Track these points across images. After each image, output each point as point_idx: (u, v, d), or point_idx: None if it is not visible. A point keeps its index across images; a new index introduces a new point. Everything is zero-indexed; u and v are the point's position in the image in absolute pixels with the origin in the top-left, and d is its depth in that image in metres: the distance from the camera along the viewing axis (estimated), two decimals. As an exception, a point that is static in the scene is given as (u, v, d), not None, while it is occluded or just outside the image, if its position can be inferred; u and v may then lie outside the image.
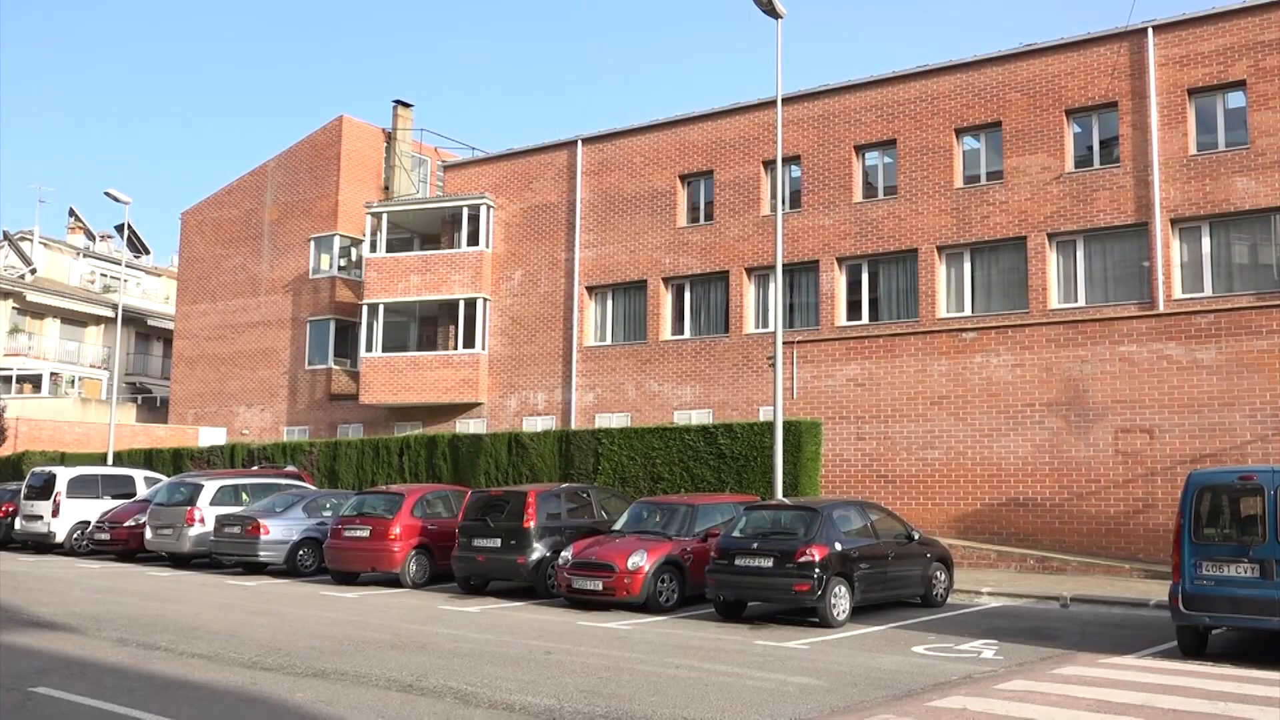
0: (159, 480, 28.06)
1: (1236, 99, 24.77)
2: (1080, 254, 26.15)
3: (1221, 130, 24.91)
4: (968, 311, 27.29)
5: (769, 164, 30.26)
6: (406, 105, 41.60)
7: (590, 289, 33.52)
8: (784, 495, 19.71)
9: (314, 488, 25.95)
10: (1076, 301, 25.90)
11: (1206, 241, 24.71)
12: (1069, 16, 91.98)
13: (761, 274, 30.42)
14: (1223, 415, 19.56)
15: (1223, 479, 12.57)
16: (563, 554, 16.95)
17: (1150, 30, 25.48)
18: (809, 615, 14.76)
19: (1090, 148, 26.56)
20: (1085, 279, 26.06)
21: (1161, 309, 23.72)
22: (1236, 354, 19.60)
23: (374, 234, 36.79)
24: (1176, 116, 25.04)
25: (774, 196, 27.30)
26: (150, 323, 56.49)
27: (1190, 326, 20.25)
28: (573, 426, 31.38)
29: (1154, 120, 25.13)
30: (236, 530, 21.53)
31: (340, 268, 39.83)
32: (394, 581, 19.80)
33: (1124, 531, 20.23)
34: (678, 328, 31.95)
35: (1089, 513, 20.62)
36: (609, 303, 33.44)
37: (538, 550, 17.73)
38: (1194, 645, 12.08)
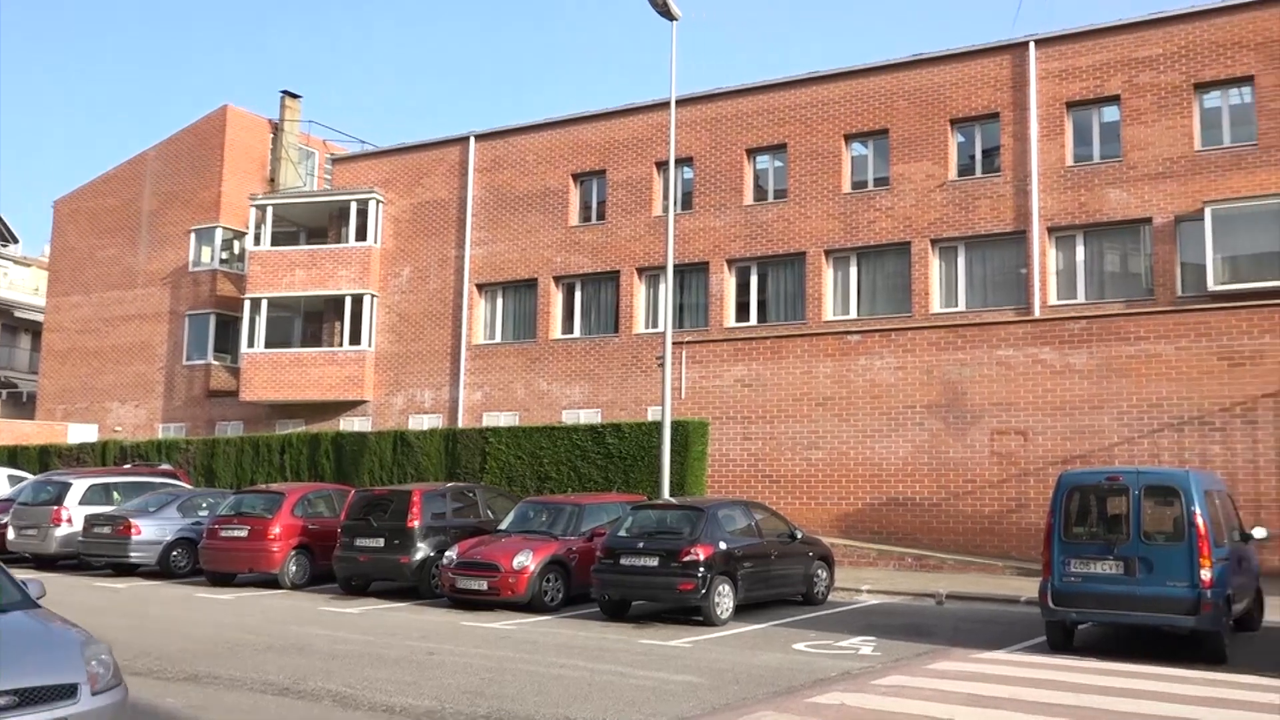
0: (24, 479, 26.93)
1: (1111, 113, 25.68)
2: (961, 260, 26.82)
3: (1097, 143, 25.80)
4: (853, 314, 27.78)
5: (661, 165, 30.39)
6: (294, 96, 40.68)
7: (480, 287, 33.24)
8: (671, 495, 19.79)
9: (190, 487, 25.19)
10: (957, 306, 26.56)
11: (1081, 250, 25.57)
12: (956, 28, 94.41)
13: (652, 274, 30.53)
14: (1092, 418, 20.26)
15: (1091, 480, 13.01)
16: (447, 554, 16.75)
17: (1032, 44, 26.26)
18: (693, 614, 14.84)
19: (973, 157, 27.27)
20: (966, 284, 26.74)
21: (1037, 315, 24.46)
22: (1106, 359, 20.31)
23: (258, 227, 35.89)
24: (1055, 129, 25.86)
25: (666, 197, 27.39)
26: (18, 314, 54.27)
27: (1064, 332, 20.93)
28: (460, 425, 31.07)
29: (1034, 132, 25.92)
30: (106, 530, 20.78)
31: (222, 261, 38.76)
32: (272, 583, 19.33)
33: (998, 530, 20.81)
34: (568, 327, 31.87)
35: (965, 512, 21.15)
36: (499, 301, 33.20)
37: (422, 550, 17.49)
38: (1061, 640, 12.48)
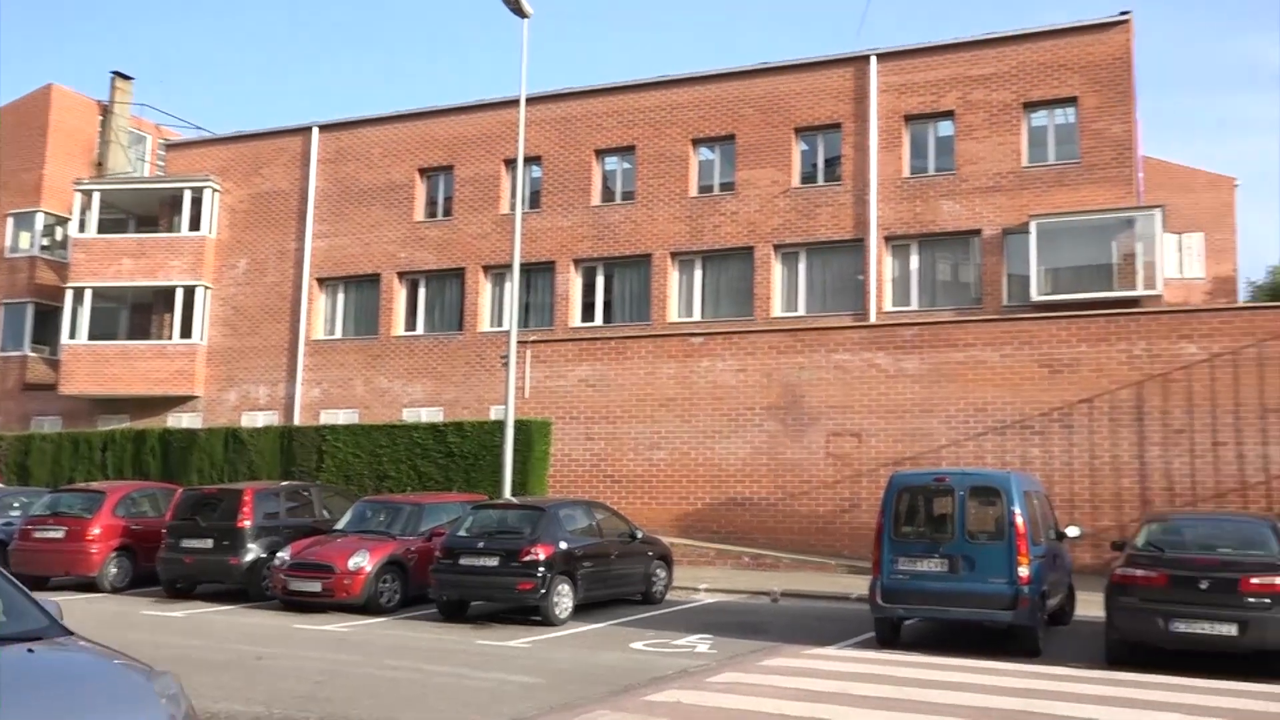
0: None
1: (946, 128, 26.66)
2: (803, 266, 27.44)
3: (932, 156, 26.75)
4: (697, 316, 28.11)
5: (510, 163, 30.17)
6: (126, 78, 38.88)
7: (321, 281, 32.40)
8: (512, 494, 19.66)
9: (2, 485, 23.81)
10: (797, 311, 27.16)
11: (915, 259, 26.46)
12: (804, 37, 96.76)
13: (498, 273, 30.28)
14: (923, 421, 20.99)
15: (919, 481, 13.47)
16: (279, 554, 16.26)
17: (874, 58, 27.05)
18: (532, 614, 14.76)
19: (815, 165, 27.94)
20: (806, 290, 27.37)
21: (873, 321, 25.21)
22: (936, 365, 21.07)
23: (83, 213, 34.17)
24: (893, 140, 26.71)
25: (514, 195, 27.24)
26: None
27: (897, 338, 21.62)
28: (296, 423, 30.21)
29: (873, 143, 26.70)
30: (-93, 530, 19.46)
31: (43, 247, 36.75)
32: (91, 586, 18.41)
33: (832, 530, 21.36)
34: (411, 324, 31.34)
35: (801, 512, 21.64)
36: (340, 296, 32.43)
37: (252, 551, 16.94)
38: (889, 635, 12.88)
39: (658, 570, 16.90)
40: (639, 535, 16.75)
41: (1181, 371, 19.48)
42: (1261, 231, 68.26)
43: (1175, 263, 32.86)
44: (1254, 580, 10.86)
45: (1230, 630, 10.79)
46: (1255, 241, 69.98)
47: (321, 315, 32.42)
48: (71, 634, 5.95)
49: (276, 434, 24.88)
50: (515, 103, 22.20)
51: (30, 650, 5.46)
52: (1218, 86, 75.23)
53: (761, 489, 22.05)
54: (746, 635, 13.52)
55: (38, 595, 6.41)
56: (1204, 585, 10.97)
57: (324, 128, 32.95)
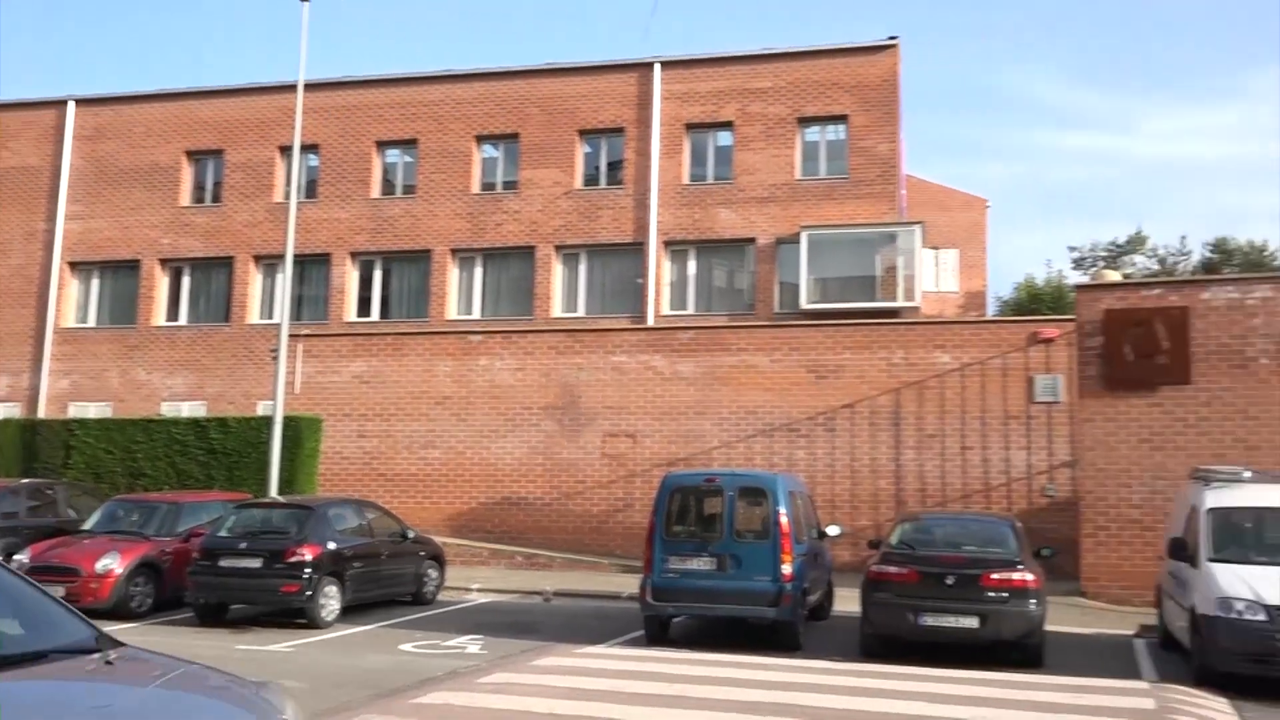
0: None
1: (725, 138, 27.40)
2: (583, 267, 27.62)
3: (711, 165, 27.44)
4: (476, 315, 27.88)
5: (285, 150, 29.06)
6: None
7: (73, 265, 30.37)
8: (279, 493, 18.94)
9: None
10: (577, 312, 27.32)
11: (693, 264, 27.07)
12: (587, 39, 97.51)
13: (270, 263, 29.15)
14: (696, 422, 21.49)
15: (691, 481, 13.77)
16: (16, 557, 15.12)
17: (658, 65, 27.51)
18: (297, 616, 14.26)
19: (599, 168, 28.19)
20: (587, 291, 27.57)
21: (651, 323, 25.63)
22: (710, 368, 21.61)
23: None
24: (675, 147, 27.23)
25: (289, 184, 26.28)
26: None
27: (674, 341, 22.06)
28: (41, 415, 28.19)
29: (655, 149, 27.15)
30: None
31: None
32: None
33: (605, 529, 21.59)
34: (173, 314, 29.79)
35: (576, 511, 21.77)
36: (95, 282, 30.49)
37: (-14, 553, 15.68)
38: (658, 633, 13.11)
39: (429, 571, 16.64)
40: (411, 535, 16.44)
41: (935, 379, 20.67)
42: (1009, 250, 73.45)
43: (932, 277, 34.82)
44: (994, 576, 11.61)
45: (972, 623, 11.50)
46: (1004, 259, 75.28)
47: (73, 302, 30.40)
48: (124, 645, 5.15)
49: (18, 427, 23.14)
50: (293, 88, 21.40)
51: (109, 662, 4.77)
52: (975, 112, 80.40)
53: (537, 489, 22.05)
54: (518, 635, 13.48)
55: None
56: (950, 581, 11.65)
57: (82, 102, 30.91)
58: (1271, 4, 79.26)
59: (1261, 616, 10.27)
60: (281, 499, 17.01)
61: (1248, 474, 12.49)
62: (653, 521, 13.15)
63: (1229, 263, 39.15)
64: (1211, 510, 11.65)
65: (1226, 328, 16.57)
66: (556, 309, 27.41)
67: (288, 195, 23.16)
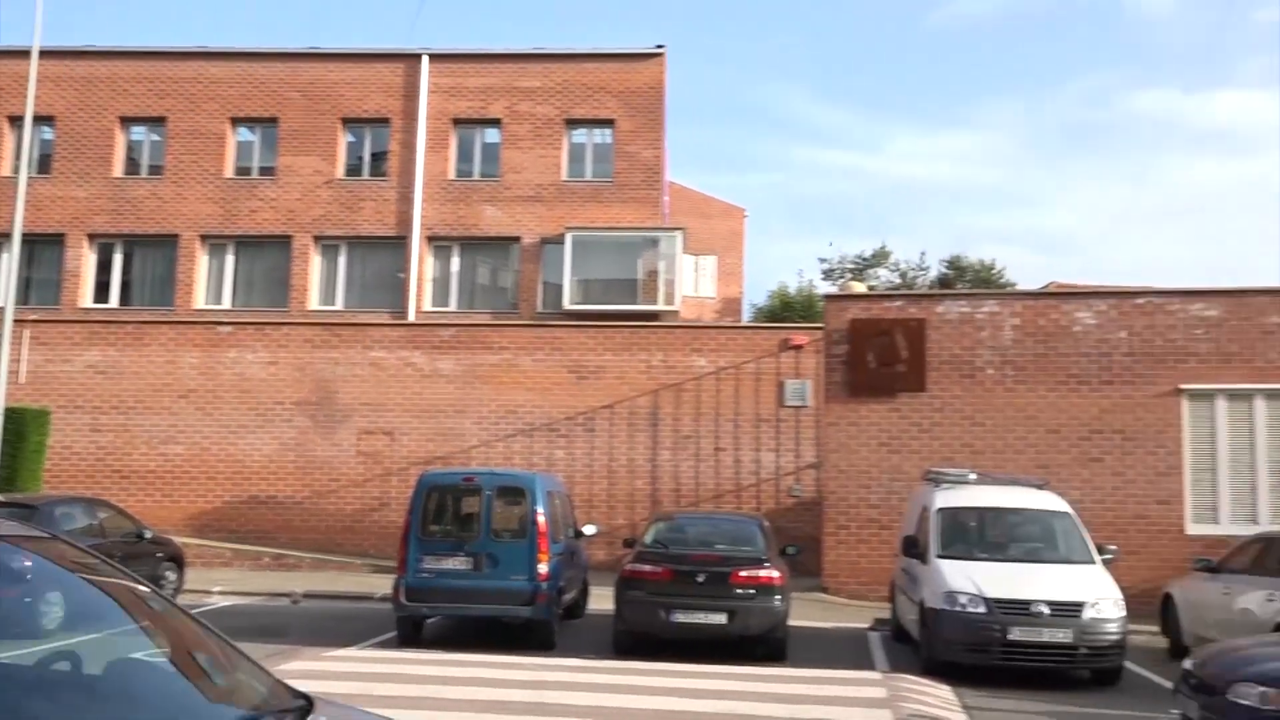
0: None
1: (493, 135, 27.23)
2: (343, 260, 26.85)
3: (478, 161, 27.21)
4: (227, 305, 26.63)
5: (15, 120, 26.92)
6: None
7: None
8: (-2, 490, 17.51)
9: None
10: (335, 305, 26.53)
11: (456, 261, 26.77)
12: (358, 26, 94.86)
13: (-6, 241, 26.87)
14: (455, 421, 21.26)
15: (449, 480, 13.62)
16: None
17: (426, 58, 27.05)
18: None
19: (361, 158, 27.47)
20: (346, 284, 26.81)
21: (411, 319, 25.17)
22: (471, 366, 21.43)
23: None
24: (441, 142, 26.85)
25: (19, 157, 24.32)
26: None
27: (435, 338, 21.75)
28: None
29: (421, 142, 26.69)
30: None
31: None
32: None
33: (359, 529, 21.05)
34: (-121, 292, 27.03)
35: (328, 510, 21.13)
36: None
37: None
38: (411, 634, 12.87)
39: (167, 573, 15.79)
40: (148, 535, 15.54)
41: (692, 382, 21.22)
42: (765, 259, 76.52)
43: (692, 282, 35.77)
44: (742, 573, 12.00)
45: (721, 619, 11.85)
46: (760, 268, 78.29)
47: None
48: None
49: None
50: (26, 53, 19.80)
51: None
52: (736, 125, 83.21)
53: (287, 487, 21.27)
54: (264, 639, 12.90)
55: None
56: (701, 579, 11.96)
57: None
58: (1005, 40, 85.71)
59: (982, 609, 11.02)
60: (0, 498, 15.72)
61: (973, 476, 13.41)
62: (408, 520, 12.91)
63: (962, 279, 41.93)
64: (941, 510, 12.44)
65: (958, 339, 17.74)
66: (313, 301, 26.51)
67: (16, 170, 21.46)
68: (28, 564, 3.66)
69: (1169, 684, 9.45)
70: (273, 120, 27.19)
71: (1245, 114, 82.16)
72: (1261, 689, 7.25)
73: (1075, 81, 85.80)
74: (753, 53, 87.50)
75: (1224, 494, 16.98)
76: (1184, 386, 17.10)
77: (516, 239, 26.53)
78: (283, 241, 26.74)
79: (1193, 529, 16.80)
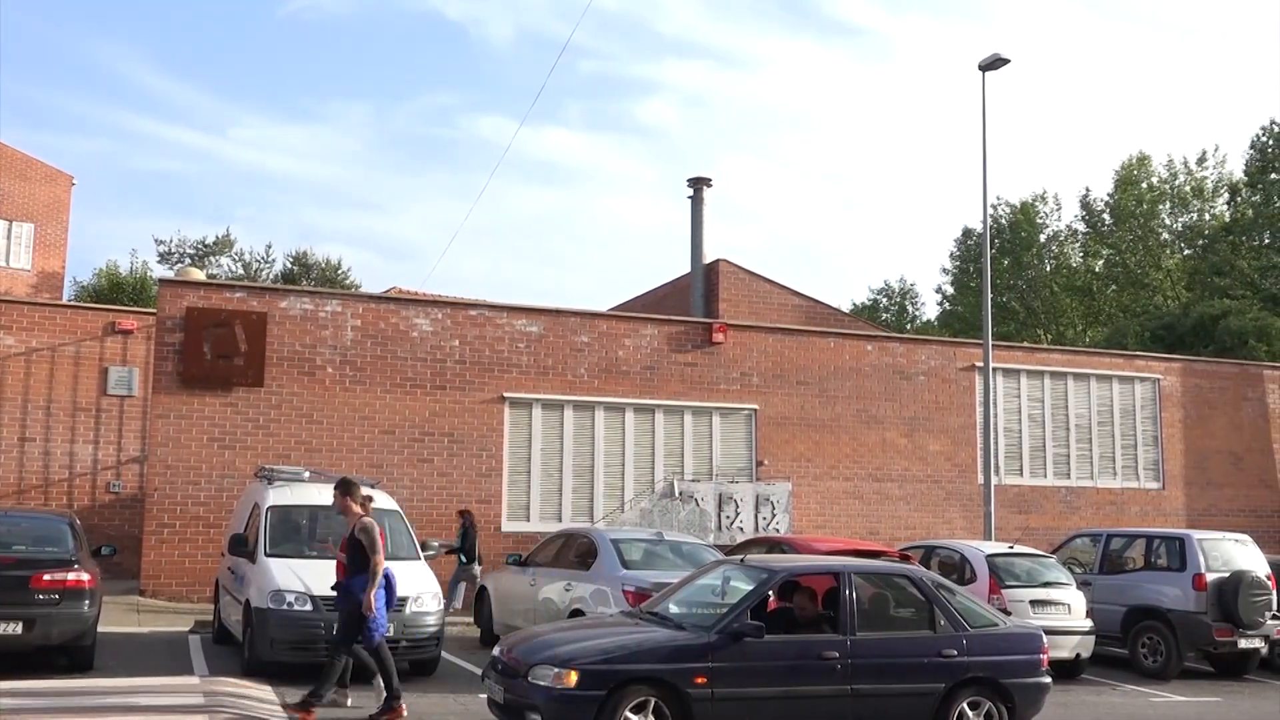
0: None
1: None
2: None
3: None
4: None
5: None
6: None
7: None
8: None
9: None
10: None
11: None
12: None
13: None
14: None
15: None
16: None
17: None
18: None
19: None
20: None
21: None
22: None
23: None
24: None
25: None
26: None
27: None
28: None
29: None
30: None
31: None
32: None
33: None
34: None
35: None
36: None
37: None
38: None
39: None
40: None
41: (-3, 363, 18.83)
42: (94, 233, 69.73)
43: (3, 251, 31.73)
44: (45, 577, 10.84)
45: (17, 628, 10.61)
46: (87, 241, 71.03)
47: None
48: None
49: None
50: None
51: None
52: (65, 81, 75.07)
53: None
54: None
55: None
56: (-2, 584, 10.63)
57: None
58: (359, 43, 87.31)
59: (309, 607, 11.04)
60: None
61: (307, 474, 13.40)
62: None
63: (308, 276, 41.76)
64: (272, 508, 12.27)
65: (300, 336, 17.65)
66: None
67: None
68: None
69: (480, 670, 10.15)
70: None
71: (566, 152, 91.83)
72: (555, 670, 8.15)
73: (423, 97, 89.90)
74: (88, 4, 79.94)
75: (535, 494, 18.76)
76: (507, 394, 18.60)
77: None
78: None
79: (507, 526, 18.32)
